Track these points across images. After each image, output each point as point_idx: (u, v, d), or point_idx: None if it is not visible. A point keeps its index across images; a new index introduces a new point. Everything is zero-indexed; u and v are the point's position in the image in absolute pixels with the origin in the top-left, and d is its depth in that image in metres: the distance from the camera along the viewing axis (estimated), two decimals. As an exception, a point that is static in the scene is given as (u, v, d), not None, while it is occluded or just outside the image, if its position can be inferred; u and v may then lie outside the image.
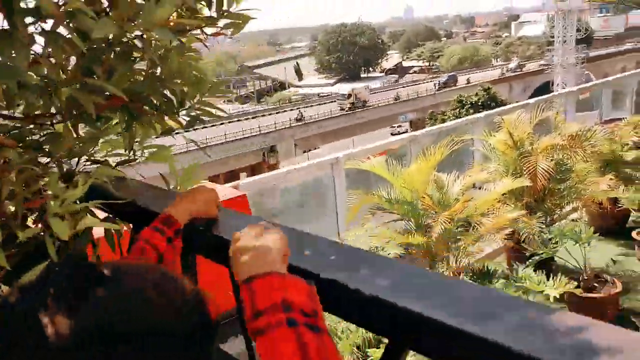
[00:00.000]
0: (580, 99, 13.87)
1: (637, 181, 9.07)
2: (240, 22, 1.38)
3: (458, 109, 55.56)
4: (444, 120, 55.74)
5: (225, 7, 1.36)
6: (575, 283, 6.37)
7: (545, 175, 7.47)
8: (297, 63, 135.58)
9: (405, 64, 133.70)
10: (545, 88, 77.86)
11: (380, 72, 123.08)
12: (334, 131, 66.48)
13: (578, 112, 14.39)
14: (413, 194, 7.10)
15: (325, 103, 76.90)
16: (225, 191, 7.36)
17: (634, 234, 8.46)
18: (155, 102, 1.35)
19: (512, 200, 8.12)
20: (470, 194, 7.62)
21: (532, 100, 12.36)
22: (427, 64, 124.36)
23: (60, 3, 1.00)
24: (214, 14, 1.36)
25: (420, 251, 6.87)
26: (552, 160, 7.68)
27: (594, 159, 8.54)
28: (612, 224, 9.29)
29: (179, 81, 1.32)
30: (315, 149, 71.64)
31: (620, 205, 8.63)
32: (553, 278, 6.13)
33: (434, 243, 6.58)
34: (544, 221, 7.89)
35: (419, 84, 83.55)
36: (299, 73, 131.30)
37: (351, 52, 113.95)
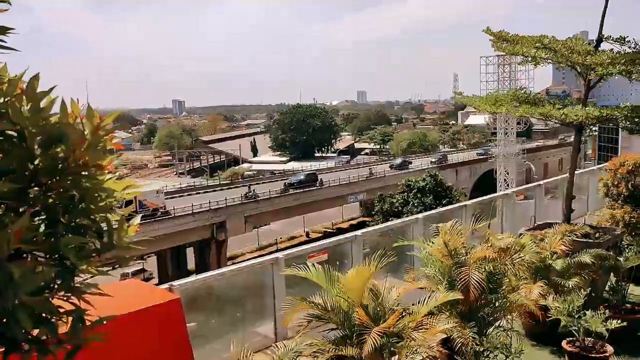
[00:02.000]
0: (517, 201, 14.55)
1: (566, 289, 9.39)
2: (127, 256, 1.44)
3: (406, 193, 57.01)
4: (392, 203, 57.01)
5: (115, 241, 1.42)
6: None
7: (478, 286, 7.65)
8: (254, 139, 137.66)
9: (358, 145, 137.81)
10: (489, 175, 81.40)
11: (333, 152, 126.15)
12: (285, 208, 66.69)
13: (518, 199, 15.17)
14: (349, 303, 7.10)
15: (277, 180, 77.67)
16: (156, 294, 7.11)
17: (563, 343, 8.66)
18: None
19: (447, 307, 8.23)
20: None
21: (469, 202, 12.87)
22: (378, 146, 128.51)
23: None
24: (106, 246, 1.42)
25: (354, 363, 6.79)
26: (484, 271, 7.90)
27: (524, 268, 8.84)
28: (544, 330, 9.50)
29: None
30: (266, 225, 71.45)
31: (550, 315, 8.87)
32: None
33: (367, 356, 6.53)
34: (477, 330, 7.99)
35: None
36: (254, 149, 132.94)
37: (305, 132, 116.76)
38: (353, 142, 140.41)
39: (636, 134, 11.72)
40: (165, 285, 7.56)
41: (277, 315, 8.75)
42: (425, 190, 55.90)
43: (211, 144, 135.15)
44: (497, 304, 8.25)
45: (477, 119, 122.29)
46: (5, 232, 1.16)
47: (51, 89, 1.31)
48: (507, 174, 72.48)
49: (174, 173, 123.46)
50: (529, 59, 11.07)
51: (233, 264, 49.49)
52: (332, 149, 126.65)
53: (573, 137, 11.21)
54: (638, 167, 12.11)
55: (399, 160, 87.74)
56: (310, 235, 70.09)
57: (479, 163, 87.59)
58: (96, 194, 1.39)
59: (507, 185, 68.63)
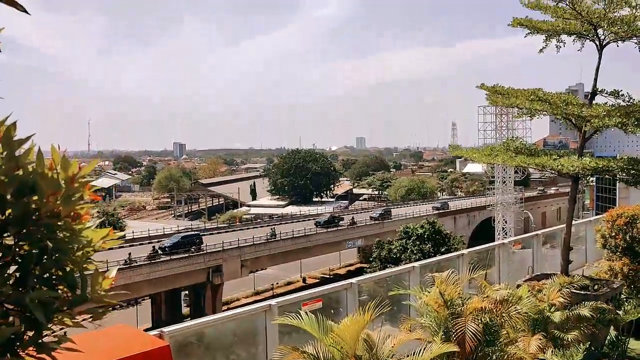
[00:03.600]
0: (514, 251, 14.46)
1: (565, 342, 9.19)
2: (102, 310, 1.40)
3: (404, 240, 56.69)
4: (390, 250, 56.61)
5: (89, 291, 1.38)
6: None
7: (474, 338, 7.49)
8: (254, 183, 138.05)
9: (356, 191, 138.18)
10: (487, 223, 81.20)
11: (331, 197, 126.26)
12: (283, 253, 66.15)
13: (515, 249, 15.06)
14: (342, 354, 6.94)
15: (275, 225, 77.39)
16: (146, 340, 6.93)
17: (563, 399, 8.41)
18: None
19: (443, 359, 8.03)
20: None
21: (466, 251, 12.77)
22: (376, 192, 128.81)
23: None
24: (79, 299, 1.38)
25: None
26: (480, 322, 7.75)
27: (522, 320, 8.68)
28: (543, 385, 9.25)
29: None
30: (262, 269, 70.69)
31: (549, 369, 8.66)
32: None
33: (360, 410, 6.33)
34: (474, 384, 7.77)
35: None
36: (253, 193, 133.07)
37: (304, 177, 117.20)
38: (351, 187, 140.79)
39: (632, 186, 11.74)
40: (156, 331, 7.38)
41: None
42: (423, 238, 55.64)
43: (210, 187, 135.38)
44: (494, 357, 8.06)
45: (475, 167, 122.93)
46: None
47: (29, 136, 1.29)
48: (506, 222, 72.33)
49: (172, 215, 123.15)
50: (524, 110, 11.21)
51: (228, 308, 48.57)
52: (330, 194, 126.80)
53: (555, 189, 11.23)
54: (635, 219, 12.06)
55: (326, 217, 75.41)
56: (307, 281, 69.32)
57: (476, 211, 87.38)
58: (71, 245, 1.35)
59: (506, 233, 68.41)
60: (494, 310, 7.89)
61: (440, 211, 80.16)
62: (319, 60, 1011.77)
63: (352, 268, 75.36)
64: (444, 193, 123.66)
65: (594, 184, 78.70)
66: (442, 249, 50.23)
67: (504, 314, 7.95)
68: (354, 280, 10.36)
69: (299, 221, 79.43)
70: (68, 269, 1.38)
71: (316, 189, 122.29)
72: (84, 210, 1.42)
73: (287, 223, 77.81)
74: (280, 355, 7.31)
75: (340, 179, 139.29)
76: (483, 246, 13.95)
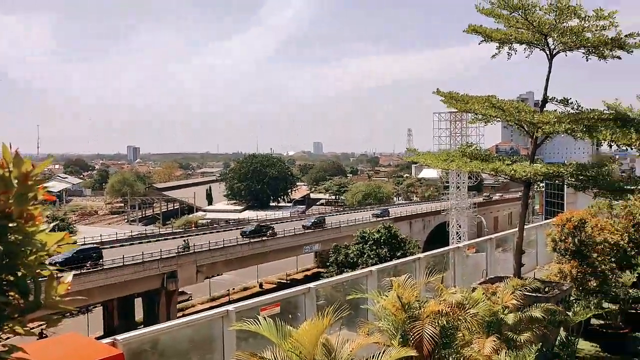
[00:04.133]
0: (468, 255, 14.75)
1: (518, 343, 9.41)
2: (56, 317, 1.32)
3: (361, 244, 57.13)
4: (347, 254, 56.94)
5: (43, 300, 1.30)
6: None
7: (431, 341, 7.58)
8: (210, 187, 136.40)
9: (313, 195, 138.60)
10: (442, 227, 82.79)
11: (289, 202, 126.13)
12: (239, 258, 65.53)
13: (470, 252, 15.36)
14: (301, 358, 6.89)
15: (231, 229, 76.55)
16: (98, 349, 6.70)
17: (516, 399, 8.59)
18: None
19: (402, 362, 8.09)
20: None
21: (422, 255, 12.96)
22: (333, 197, 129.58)
23: None
24: (32, 306, 1.30)
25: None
26: (437, 325, 7.85)
27: (477, 322, 8.83)
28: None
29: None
30: (219, 275, 69.83)
31: (503, 370, 8.83)
32: None
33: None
34: (431, 386, 7.85)
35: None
36: (209, 198, 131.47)
37: (261, 181, 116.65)
38: (309, 192, 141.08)
39: (581, 190, 12.17)
40: (109, 339, 7.16)
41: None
42: (380, 242, 56.17)
43: (165, 192, 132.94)
44: (450, 359, 8.17)
45: (431, 172, 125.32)
46: None
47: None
48: (460, 226, 73.88)
49: (125, 220, 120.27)
50: (480, 116, 11.48)
51: (183, 315, 47.63)
52: (287, 198, 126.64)
53: (499, 195, 11.54)
54: (584, 224, 12.49)
55: (252, 226, 71.69)
56: (263, 286, 68.87)
57: (431, 215, 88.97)
58: (23, 249, 1.27)
59: (460, 238, 69.85)
60: (451, 313, 8.00)
61: (379, 219, 75.10)
62: (281, 67, 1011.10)
63: (309, 273, 75.34)
64: (400, 198, 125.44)
65: (544, 189, 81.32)
66: (398, 254, 50.82)
67: (460, 317, 8.07)
68: (311, 284, 10.34)
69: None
70: (20, 274, 1.30)
71: (273, 194, 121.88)
72: (37, 211, 1.34)
73: (242, 228, 76.53)
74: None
75: (298, 183, 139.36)
76: (438, 250, 14.18)
